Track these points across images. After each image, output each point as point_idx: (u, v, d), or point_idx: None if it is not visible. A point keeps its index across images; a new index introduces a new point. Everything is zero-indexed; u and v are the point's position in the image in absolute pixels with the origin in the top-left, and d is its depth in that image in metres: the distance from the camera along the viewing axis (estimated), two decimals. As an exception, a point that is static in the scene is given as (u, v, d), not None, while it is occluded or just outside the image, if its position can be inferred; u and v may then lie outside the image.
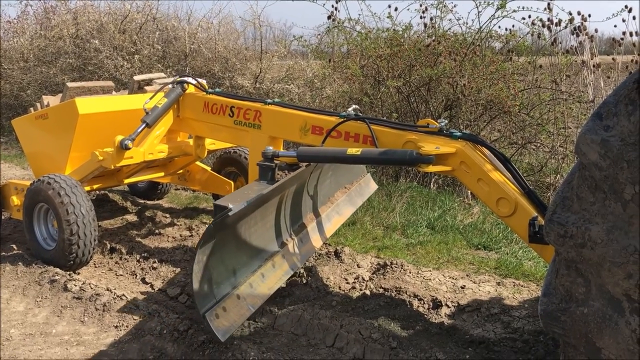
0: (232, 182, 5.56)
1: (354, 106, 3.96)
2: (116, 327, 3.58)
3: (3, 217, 5.31)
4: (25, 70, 11.64)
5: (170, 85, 4.78)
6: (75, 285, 4.11)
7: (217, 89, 4.81)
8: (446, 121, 3.42)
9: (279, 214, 3.89)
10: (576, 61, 6.52)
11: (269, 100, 4.31)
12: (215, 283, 3.11)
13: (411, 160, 3.20)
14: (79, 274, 4.39)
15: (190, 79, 4.81)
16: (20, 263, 4.57)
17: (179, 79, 4.79)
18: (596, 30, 6.57)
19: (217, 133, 4.67)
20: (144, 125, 4.52)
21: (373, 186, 5.38)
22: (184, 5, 29.64)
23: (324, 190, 4.61)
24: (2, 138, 11.57)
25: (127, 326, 3.51)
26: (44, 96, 5.64)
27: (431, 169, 3.24)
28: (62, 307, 3.90)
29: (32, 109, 5.54)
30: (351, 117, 3.76)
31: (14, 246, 5.07)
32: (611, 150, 1.80)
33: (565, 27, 6.47)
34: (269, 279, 3.55)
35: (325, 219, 4.50)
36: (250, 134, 4.30)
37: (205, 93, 4.69)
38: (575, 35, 6.45)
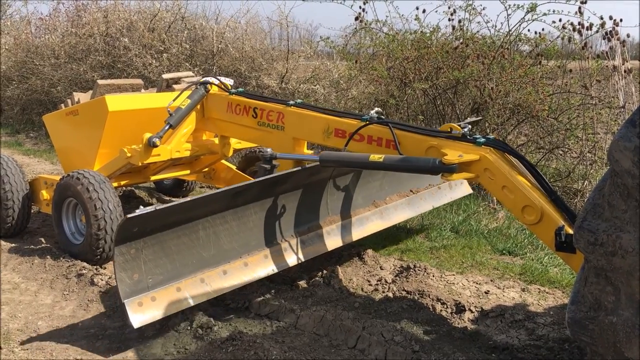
0: (257, 181, 5.58)
1: (376, 109, 3.93)
2: (141, 322, 3.62)
3: (32, 211, 5.42)
4: (56, 67, 11.85)
5: (193, 86, 4.81)
6: (102, 280, 4.19)
7: (240, 89, 4.79)
8: (470, 126, 3.36)
9: (272, 215, 3.86)
10: (607, 66, 6.41)
11: (291, 102, 4.28)
12: (150, 274, 3.24)
13: (434, 168, 3.18)
14: (105, 268, 4.45)
15: (213, 79, 4.83)
16: (48, 256, 4.66)
17: (202, 80, 4.82)
18: (628, 35, 6.45)
19: (242, 133, 4.69)
20: (167, 127, 4.56)
21: (464, 190, 5.21)
22: (212, 4, 29.86)
23: (366, 193, 4.51)
24: (32, 133, 11.80)
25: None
26: (74, 93, 5.74)
27: (455, 177, 3.21)
28: (88, 300, 3.97)
29: (62, 105, 5.65)
30: (374, 120, 3.73)
31: (43, 239, 5.18)
32: (644, 158, 1.77)
33: (597, 31, 6.36)
34: (232, 276, 3.58)
35: (358, 222, 4.39)
36: (274, 135, 4.31)
37: (228, 93, 4.71)
38: (606, 40, 6.33)
